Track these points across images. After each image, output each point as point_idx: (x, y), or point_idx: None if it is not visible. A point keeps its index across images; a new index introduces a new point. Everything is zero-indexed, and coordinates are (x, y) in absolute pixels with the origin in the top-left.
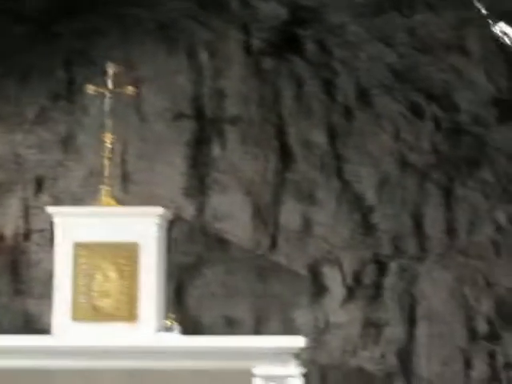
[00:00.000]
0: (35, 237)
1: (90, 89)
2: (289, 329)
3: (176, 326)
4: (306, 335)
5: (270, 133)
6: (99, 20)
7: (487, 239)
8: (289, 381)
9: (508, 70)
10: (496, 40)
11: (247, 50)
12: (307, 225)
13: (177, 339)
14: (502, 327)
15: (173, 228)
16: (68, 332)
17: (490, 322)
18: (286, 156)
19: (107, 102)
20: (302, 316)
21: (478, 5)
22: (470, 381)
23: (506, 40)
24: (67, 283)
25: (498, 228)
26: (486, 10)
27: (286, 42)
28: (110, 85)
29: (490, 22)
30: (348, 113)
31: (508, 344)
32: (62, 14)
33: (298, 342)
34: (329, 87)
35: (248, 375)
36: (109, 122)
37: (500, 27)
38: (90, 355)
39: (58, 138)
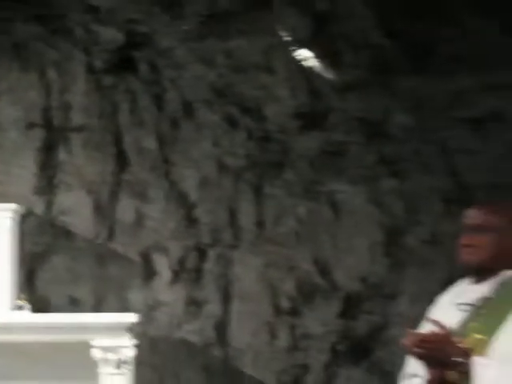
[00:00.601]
0: None
1: None
2: (123, 306)
3: (27, 306)
4: (137, 312)
5: (109, 140)
6: None
7: (290, 230)
8: (123, 351)
9: (307, 88)
10: (298, 63)
11: (90, 69)
12: (140, 218)
13: (27, 316)
14: (301, 304)
15: (25, 222)
16: None
17: (291, 300)
18: (122, 160)
19: None
20: (134, 296)
21: (283, 33)
22: (275, 349)
23: (306, 63)
24: None
25: (299, 221)
26: (289, 37)
27: (122, 63)
28: None
29: (293, 47)
30: (175, 123)
31: (306, 318)
32: None
33: (131, 317)
34: (159, 101)
35: (88, 347)
36: None
37: (301, 52)
38: None
39: None
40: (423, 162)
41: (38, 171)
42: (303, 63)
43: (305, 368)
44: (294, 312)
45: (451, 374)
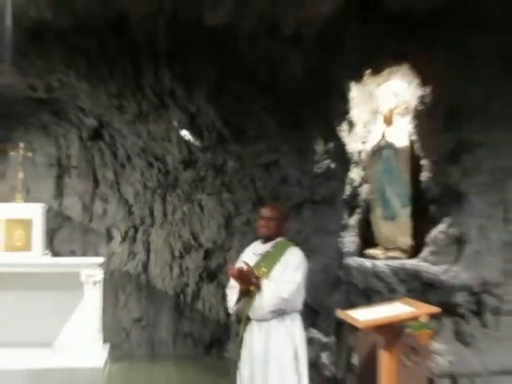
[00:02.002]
0: None
1: None
2: (97, 255)
3: (49, 253)
4: (104, 257)
5: (90, 173)
6: None
7: (179, 218)
8: (97, 276)
9: (187, 149)
10: (182, 137)
11: (80, 138)
12: (105, 212)
13: (50, 259)
14: (185, 254)
15: (48, 213)
16: None
17: (180, 252)
18: (96, 183)
19: None
20: (102, 249)
21: (175, 122)
22: (172, 276)
23: (186, 137)
24: None
25: (183, 214)
26: (178, 124)
27: (96, 136)
28: None
29: (180, 129)
30: (122, 165)
31: (187, 260)
32: None
33: (101, 260)
34: (114, 154)
35: (79, 275)
36: None
37: (183, 132)
38: None
39: None
40: (244, 185)
41: (54, 188)
42: (185, 137)
43: (186, 284)
44: (181, 258)
45: (252, 287)
